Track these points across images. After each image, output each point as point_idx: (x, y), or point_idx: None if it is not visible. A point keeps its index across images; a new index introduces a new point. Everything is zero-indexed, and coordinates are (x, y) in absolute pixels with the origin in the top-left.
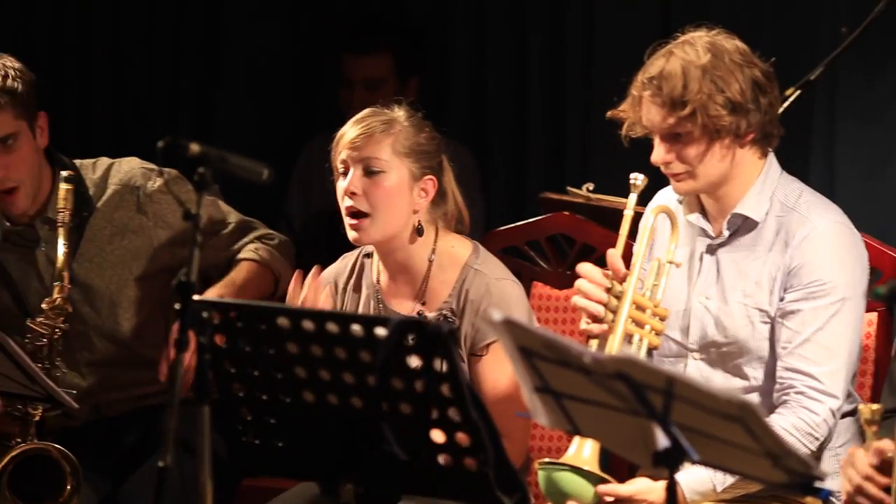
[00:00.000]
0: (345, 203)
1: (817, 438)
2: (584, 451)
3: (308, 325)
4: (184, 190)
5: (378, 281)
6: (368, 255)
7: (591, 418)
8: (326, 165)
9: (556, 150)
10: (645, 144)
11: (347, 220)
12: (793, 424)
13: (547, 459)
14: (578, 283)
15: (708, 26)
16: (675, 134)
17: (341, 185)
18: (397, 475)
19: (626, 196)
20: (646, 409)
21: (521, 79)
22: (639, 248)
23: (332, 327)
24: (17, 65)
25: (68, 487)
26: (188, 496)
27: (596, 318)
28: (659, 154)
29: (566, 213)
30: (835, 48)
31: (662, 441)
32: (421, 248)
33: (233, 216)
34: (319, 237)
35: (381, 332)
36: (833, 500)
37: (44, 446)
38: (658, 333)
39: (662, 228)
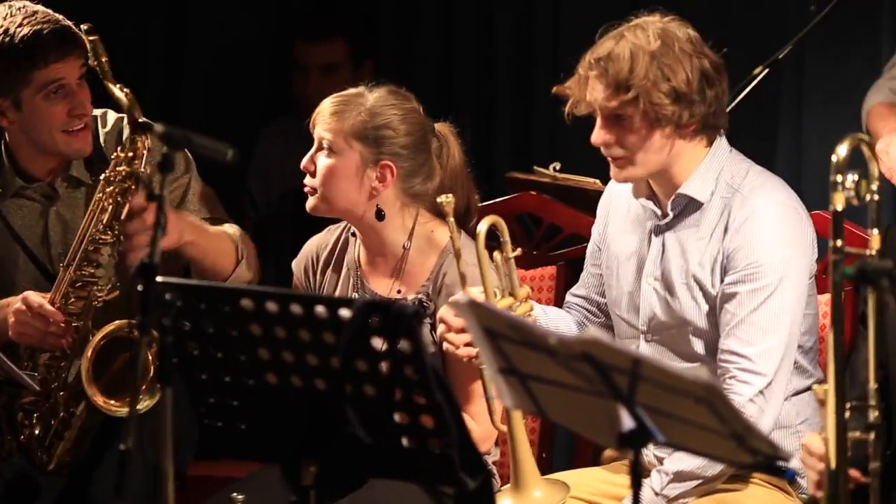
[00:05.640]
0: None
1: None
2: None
3: (272, 306)
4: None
5: (359, 259)
6: (354, 234)
7: (556, 400)
8: (284, 149)
9: (523, 130)
10: None
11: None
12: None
13: None
14: (441, 334)
15: (662, 12)
16: (617, 116)
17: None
18: (361, 457)
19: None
20: (611, 391)
21: (488, 58)
22: (485, 268)
23: (295, 309)
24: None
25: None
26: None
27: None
28: (599, 136)
29: (533, 192)
30: (804, 26)
31: (628, 422)
32: (395, 231)
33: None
34: (283, 219)
35: (345, 313)
36: (798, 479)
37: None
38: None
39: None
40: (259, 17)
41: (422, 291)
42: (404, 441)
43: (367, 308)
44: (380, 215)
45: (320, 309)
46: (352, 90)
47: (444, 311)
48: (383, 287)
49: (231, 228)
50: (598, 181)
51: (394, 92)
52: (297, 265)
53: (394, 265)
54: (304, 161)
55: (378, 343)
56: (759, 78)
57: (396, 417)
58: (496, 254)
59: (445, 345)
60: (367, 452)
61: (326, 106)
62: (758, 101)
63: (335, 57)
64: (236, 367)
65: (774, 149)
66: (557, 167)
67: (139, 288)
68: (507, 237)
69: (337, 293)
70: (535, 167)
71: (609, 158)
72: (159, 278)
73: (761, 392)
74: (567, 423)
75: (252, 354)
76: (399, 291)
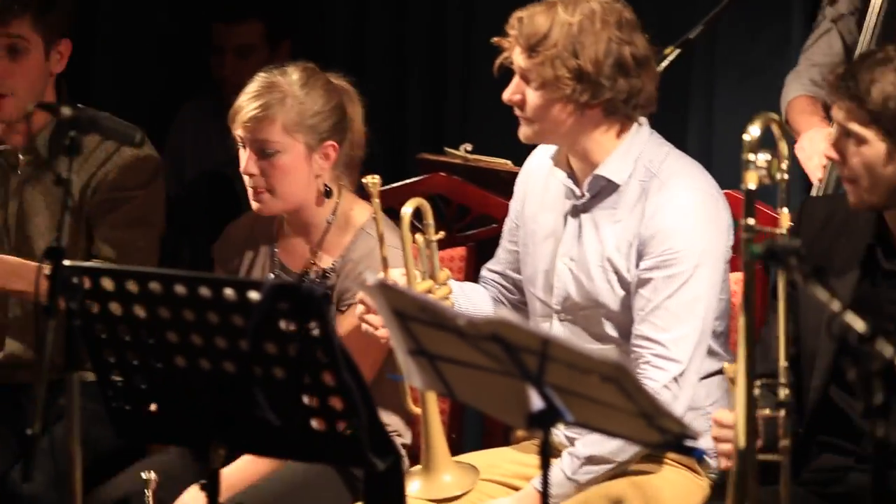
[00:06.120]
0: (245, 179)
1: None
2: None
3: (180, 289)
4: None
5: (277, 237)
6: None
7: (465, 380)
8: (200, 131)
9: (434, 111)
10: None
11: (249, 192)
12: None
13: None
14: (360, 315)
15: None
16: (525, 77)
17: (241, 158)
18: (270, 440)
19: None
20: (520, 371)
21: (400, 40)
22: (407, 251)
23: (204, 291)
24: None
25: None
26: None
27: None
28: (507, 91)
29: (443, 174)
30: (714, 6)
31: (537, 402)
32: (325, 208)
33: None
34: (197, 201)
35: (254, 296)
36: (707, 458)
37: None
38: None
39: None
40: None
41: (332, 266)
42: (313, 423)
43: (275, 291)
44: (328, 193)
45: (229, 292)
46: (264, 81)
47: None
48: (298, 264)
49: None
50: (509, 162)
51: (306, 69)
52: (217, 248)
53: (314, 241)
54: (245, 165)
55: (287, 325)
56: (670, 58)
57: (305, 399)
58: (418, 236)
59: (364, 325)
60: (277, 434)
61: (252, 108)
62: (669, 81)
63: (251, 38)
64: (144, 350)
65: (685, 129)
66: (469, 148)
67: (46, 272)
68: (430, 220)
69: (254, 273)
70: (447, 148)
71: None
72: (66, 262)
73: (675, 379)
74: (477, 404)
75: (160, 337)
76: (313, 264)
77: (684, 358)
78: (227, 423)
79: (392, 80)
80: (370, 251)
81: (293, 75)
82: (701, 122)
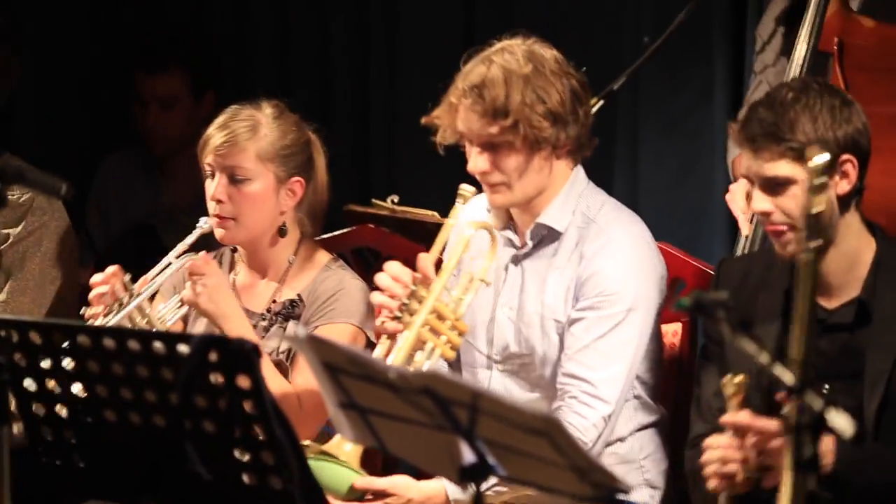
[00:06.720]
0: (210, 207)
1: (586, 442)
2: (345, 445)
3: (108, 342)
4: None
5: (235, 277)
6: (234, 250)
7: (397, 433)
8: (125, 182)
9: (361, 162)
10: (451, 157)
11: (213, 221)
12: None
13: (307, 443)
14: (379, 277)
15: (524, 34)
16: (493, 144)
17: (209, 187)
18: (202, 495)
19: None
20: (451, 424)
21: (324, 91)
22: (451, 258)
23: (133, 345)
24: None
25: None
26: None
27: (393, 317)
28: (477, 164)
29: (371, 225)
30: (637, 58)
31: (469, 456)
32: (283, 248)
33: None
34: (125, 254)
35: (183, 349)
36: None
37: None
38: (454, 348)
39: (476, 243)
40: (99, 46)
41: (298, 297)
42: (245, 477)
43: (204, 343)
44: (283, 232)
45: (158, 345)
46: (237, 111)
47: (394, 264)
48: (261, 303)
49: None
50: (436, 213)
51: (278, 106)
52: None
53: (275, 279)
54: (215, 191)
55: (216, 378)
56: (594, 108)
57: (237, 454)
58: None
59: (373, 293)
60: (208, 490)
61: (225, 134)
62: (594, 131)
63: (173, 90)
64: (74, 404)
65: (611, 180)
66: (395, 200)
67: None
68: (493, 259)
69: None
70: (374, 200)
71: (486, 185)
72: None
73: (604, 419)
74: (409, 457)
75: (90, 391)
76: (275, 300)
77: (613, 399)
78: (159, 478)
79: (318, 132)
80: (340, 282)
81: (266, 109)
82: (626, 172)
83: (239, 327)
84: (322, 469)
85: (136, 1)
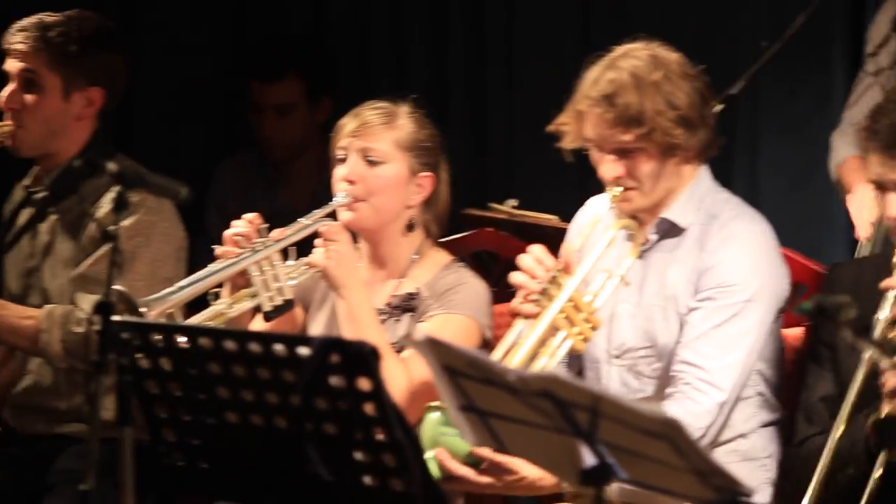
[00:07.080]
0: (340, 188)
1: (699, 428)
2: None
3: (230, 344)
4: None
5: None
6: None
7: (517, 436)
8: (243, 186)
9: (478, 166)
10: (568, 161)
11: (340, 207)
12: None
13: (436, 403)
14: (522, 258)
15: (645, 38)
16: (625, 150)
17: (339, 171)
18: (322, 496)
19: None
20: (571, 427)
21: (443, 95)
22: (593, 252)
23: (254, 347)
24: (87, 29)
25: None
26: None
27: (529, 300)
28: (610, 170)
29: (490, 229)
30: (755, 62)
31: (589, 459)
32: (407, 245)
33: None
34: None
35: (303, 351)
36: None
37: None
38: (585, 340)
39: (591, 241)
40: (215, 56)
41: (416, 290)
42: (366, 479)
43: (325, 346)
44: (411, 227)
45: (279, 347)
46: (376, 104)
47: (538, 247)
48: (381, 298)
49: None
50: (555, 217)
51: (414, 103)
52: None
53: (395, 275)
54: (347, 172)
55: (337, 381)
56: (715, 110)
57: (357, 455)
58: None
59: (513, 273)
60: (329, 491)
61: (366, 115)
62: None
63: (289, 97)
64: (196, 406)
65: (731, 185)
66: (514, 204)
67: (96, 328)
68: (635, 257)
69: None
70: (490, 203)
71: (614, 191)
72: (116, 317)
73: (720, 405)
74: (528, 458)
75: (211, 393)
76: (395, 294)
77: (727, 386)
78: (280, 479)
79: None
80: (460, 278)
81: (404, 106)
82: (746, 177)
83: (361, 300)
84: (444, 433)
85: (257, 9)
